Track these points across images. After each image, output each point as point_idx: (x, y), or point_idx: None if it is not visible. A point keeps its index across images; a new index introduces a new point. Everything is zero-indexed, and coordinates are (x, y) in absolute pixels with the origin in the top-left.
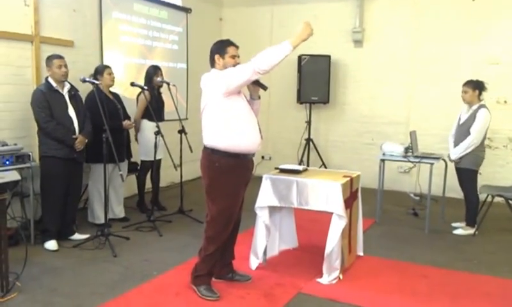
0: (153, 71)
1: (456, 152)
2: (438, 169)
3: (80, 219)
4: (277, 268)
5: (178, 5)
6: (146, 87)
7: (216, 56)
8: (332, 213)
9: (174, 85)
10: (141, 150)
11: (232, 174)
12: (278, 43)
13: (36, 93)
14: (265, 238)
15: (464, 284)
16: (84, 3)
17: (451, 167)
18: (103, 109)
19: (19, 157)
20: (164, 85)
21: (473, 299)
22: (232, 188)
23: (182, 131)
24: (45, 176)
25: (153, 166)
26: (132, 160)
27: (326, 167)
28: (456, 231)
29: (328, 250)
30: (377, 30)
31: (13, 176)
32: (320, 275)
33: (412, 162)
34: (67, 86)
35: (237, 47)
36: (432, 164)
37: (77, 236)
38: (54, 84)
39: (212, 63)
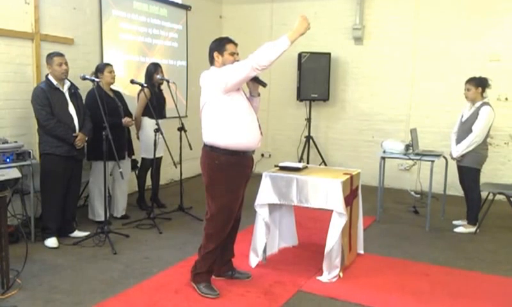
0: (154, 69)
1: (458, 150)
2: (439, 166)
3: (81, 216)
4: (277, 266)
5: (178, 2)
6: (145, 85)
7: (215, 54)
8: (332, 211)
9: (174, 82)
10: (142, 148)
11: (231, 172)
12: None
13: (36, 90)
14: (265, 236)
15: (465, 283)
16: (84, 1)
17: (452, 164)
18: (103, 107)
19: (20, 155)
20: (164, 82)
21: (474, 297)
22: (231, 186)
23: (181, 128)
24: (45, 174)
25: (153, 164)
26: (133, 157)
27: (326, 165)
28: (457, 229)
29: (328, 248)
30: (378, 27)
31: (13, 173)
32: (321, 273)
33: (413, 159)
34: (67, 84)
35: (236, 44)
36: (433, 161)
37: (77, 233)
38: (54, 82)
39: (211, 61)
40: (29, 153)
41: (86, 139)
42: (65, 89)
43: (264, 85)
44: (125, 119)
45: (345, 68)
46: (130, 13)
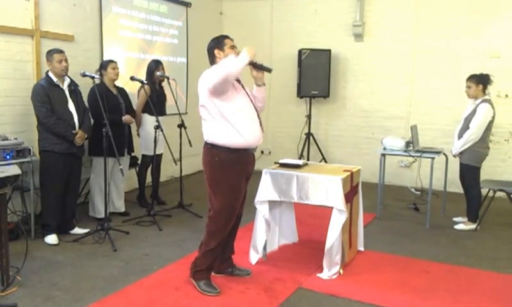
0: (155, 66)
1: (456, 147)
2: (439, 163)
3: (81, 213)
4: (277, 263)
5: None
6: (145, 82)
7: (216, 51)
8: (332, 207)
9: (174, 79)
10: (142, 144)
11: (232, 169)
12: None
13: (36, 87)
14: (265, 233)
15: (466, 280)
16: None
17: (452, 161)
18: (103, 104)
19: (20, 151)
20: (165, 79)
21: (474, 294)
22: (233, 183)
23: (181, 125)
24: (45, 171)
25: (154, 161)
26: (133, 154)
27: (326, 162)
28: (457, 226)
29: (328, 245)
30: (378, 24)
31: (13, 170)
32: (321, 270)
33: (413, 156)
34: (67, 81)
35: (232, 39)
36: (433, 158)
37: (77, 230)
38: (54, 79)
39: (212, 60)
40: (29, 150)
41: (86, 136)
42: (65, 86)
43: (270, 70)
44: (125, 117)
45: (346, 64)
46: (130, 9)
